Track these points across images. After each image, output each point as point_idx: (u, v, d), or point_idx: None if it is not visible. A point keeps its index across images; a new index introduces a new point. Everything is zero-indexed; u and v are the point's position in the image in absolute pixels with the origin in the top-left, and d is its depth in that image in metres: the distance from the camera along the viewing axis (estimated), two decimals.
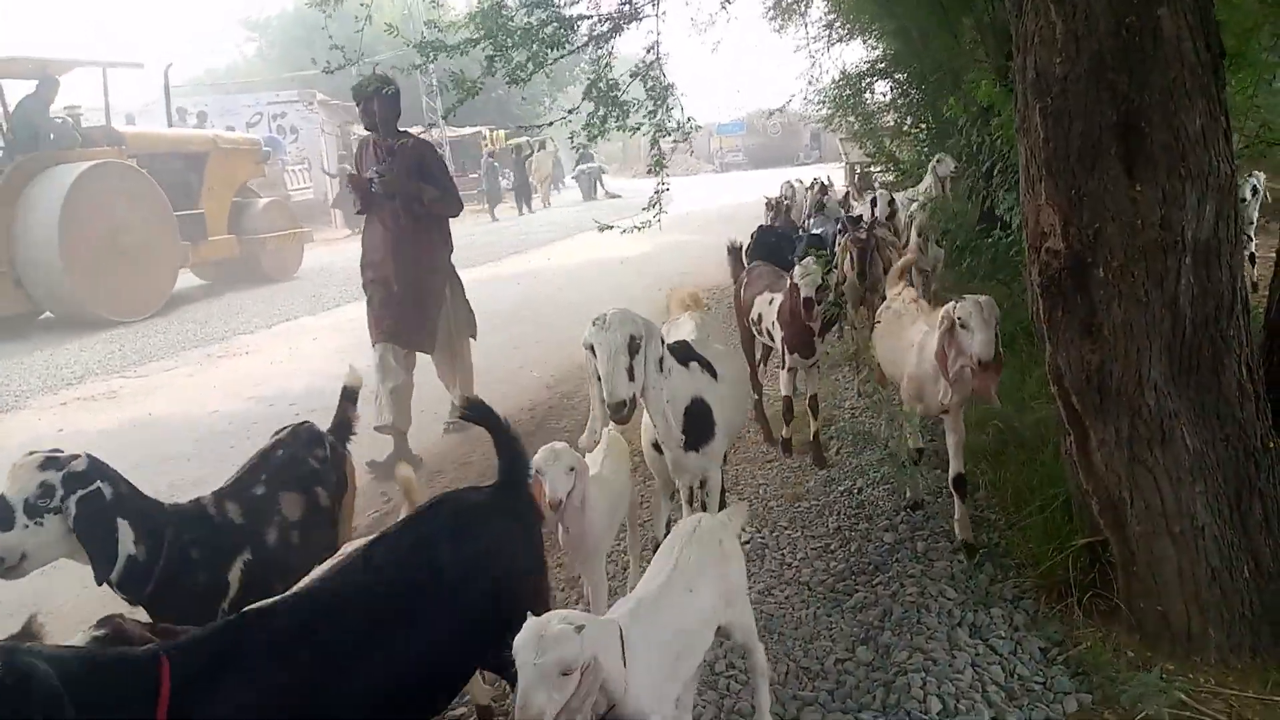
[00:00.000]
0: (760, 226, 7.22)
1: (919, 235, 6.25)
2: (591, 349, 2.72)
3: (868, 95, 10.90)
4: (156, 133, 13.62)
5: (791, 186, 9.94)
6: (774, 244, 6.50)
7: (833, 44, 11.48)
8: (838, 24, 11.36)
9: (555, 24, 5.93)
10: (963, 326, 3.14)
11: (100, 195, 10.81)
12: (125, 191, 11.33)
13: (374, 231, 5.32)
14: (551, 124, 7.41)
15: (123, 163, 11.56)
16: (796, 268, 4.39)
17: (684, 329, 3.65)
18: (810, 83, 10.70)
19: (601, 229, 6.38)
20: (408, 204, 5.18)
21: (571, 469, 2.64)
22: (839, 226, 6.53)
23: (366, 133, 5.43)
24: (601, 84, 6.40)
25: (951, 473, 3.48)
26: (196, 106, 19.80)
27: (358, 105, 5.27)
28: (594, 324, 2.73)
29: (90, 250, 10.60)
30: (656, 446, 3.14)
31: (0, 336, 10.11)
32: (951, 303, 3.24)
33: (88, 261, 10.54)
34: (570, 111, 6.74)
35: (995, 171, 5.98)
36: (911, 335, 3.63)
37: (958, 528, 3.49)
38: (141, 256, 11.35)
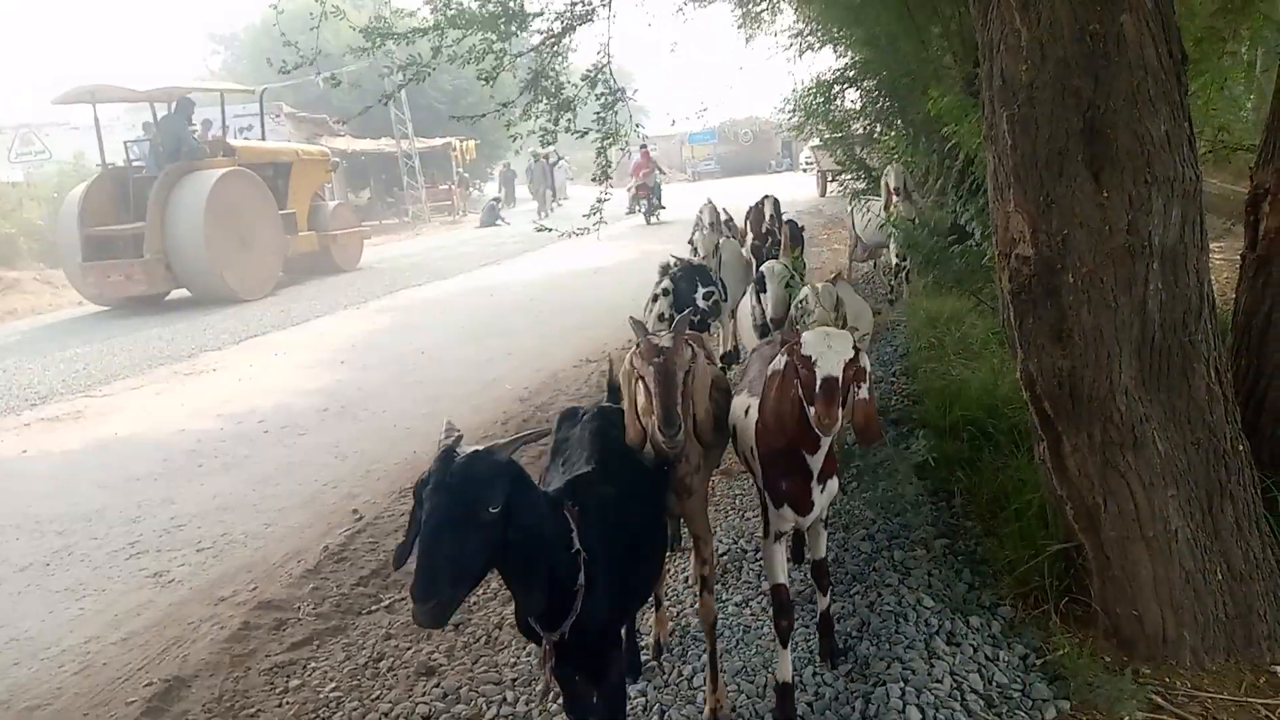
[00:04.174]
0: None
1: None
2: None
3: (837, 102, 10.88)
4: (257, 145, 15.94)
5: (714, 211, 6.99)
6: None
7: (802, 52, 11.56)
8: (806, 32, 11.44)
9: (506, 15, 5.83)
10: None
11: (231, 196, 13.09)
12: (248, 193, 13.63)
13: None
14: (484, 115, 6.97)
15: (245, 170, 13.76)
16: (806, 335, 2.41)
17: None
18: (782, 99, 10.70)
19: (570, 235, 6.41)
20: None
21: None
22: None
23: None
24: (546, 81, 6.27)
25: None
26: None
27: None
28: None
29: (225, 241, 12.86)
30: None
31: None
32: None
33: (224, 250, 12.82)
34: (505, 105, 6.49)
35: (959, 182, 5.88)
36: None
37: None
38: (259, 246, 13.73)
